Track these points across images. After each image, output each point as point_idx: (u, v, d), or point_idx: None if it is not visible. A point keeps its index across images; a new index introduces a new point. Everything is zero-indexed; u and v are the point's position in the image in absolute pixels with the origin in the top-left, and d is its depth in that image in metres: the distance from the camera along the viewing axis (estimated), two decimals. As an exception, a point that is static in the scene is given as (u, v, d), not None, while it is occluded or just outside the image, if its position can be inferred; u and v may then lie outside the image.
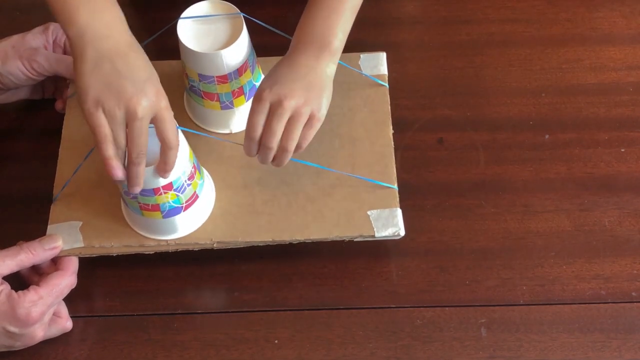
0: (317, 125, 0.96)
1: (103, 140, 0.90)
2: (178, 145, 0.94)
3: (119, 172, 0.92)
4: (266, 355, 0.99)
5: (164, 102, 0.92)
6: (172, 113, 0.93)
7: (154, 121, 0.92)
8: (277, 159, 0.97)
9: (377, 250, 1.05)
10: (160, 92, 0.92)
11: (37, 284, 0.96)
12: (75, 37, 0.92)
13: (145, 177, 0.94)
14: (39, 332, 0.96)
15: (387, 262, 1.05)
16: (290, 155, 0.96)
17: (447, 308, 1.01)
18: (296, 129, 0.95)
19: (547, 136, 1.13)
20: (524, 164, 1.10)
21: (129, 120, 0.90)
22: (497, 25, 1.23)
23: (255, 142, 0.96)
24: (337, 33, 0.98)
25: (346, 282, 1.03)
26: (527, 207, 1.07)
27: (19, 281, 0.99)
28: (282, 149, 0.96)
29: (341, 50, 0.99)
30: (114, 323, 1.02)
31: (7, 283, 0.95)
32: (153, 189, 0.96)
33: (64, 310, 1.00)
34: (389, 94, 1.11)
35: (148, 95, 0.91)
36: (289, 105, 0.94)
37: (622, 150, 1.11)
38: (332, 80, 0.98)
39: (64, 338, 1.00)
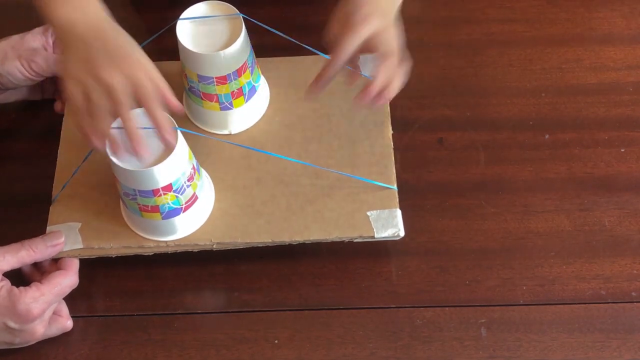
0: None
1: (75, 112, 0.92)
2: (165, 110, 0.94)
3: (95, 142, 0.93)
4: (266, 355, 0.99)
5: (141, 72, 0.92)
6: (153, 81, 0.93)
7: (134, 94, 0.92)
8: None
9: (377, 250, 1.05)
10: (136, 62, 0.92)
11: (39, 282, 0.96)
12: (56, 29, 0.95)
13: (145, 178, 0.94)
14: (39, 329, 0.96)
15: (387, 262, 1.05)
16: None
17: (447, 308, 1.01)
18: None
19: (547, 136, 1.13)
20: (524, 164, 1.10)
21: (106, 92, 0.91)
22: (497, 25, 1.23)
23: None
24: None
25: (346, 282, 1.03)
26: (527, 207, 1.07)
27: (21, 279, 0.99)
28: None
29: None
30: (114, 323, 1.02)
31: (7, 279, 0.95)
32: (152, 190, 0.96)
33: (64, 309, 1.00)
34: (389, 94, 1.11)
35: (121, 65, 0.91)
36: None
37: (622, 150, 1.11)
38: None
39: (64, 338, 1.00)
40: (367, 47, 0.96)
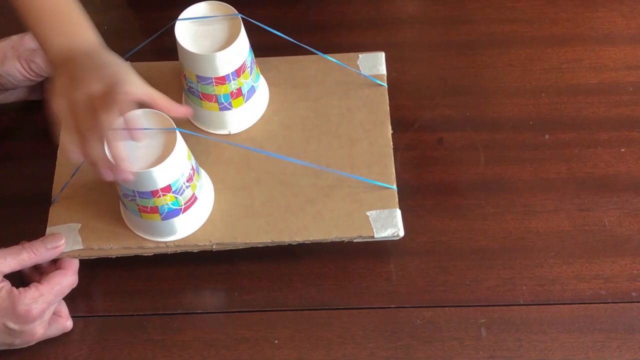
0: None
1: (61, 128, 0.93)
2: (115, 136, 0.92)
3: (74, 155, 0.92)
4: (266, 355, 0.99)
5: (119, 86, 0.90)
6: (124, 101, 0.90)
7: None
8: None
9: (377, 251, 1.05)
10: (118, 77, 0.91)
11: (39, 282, 0.96)
12: (50, 57, 0.97)
13: (144, 179, 0.94)
14: (39, 330, 0.96)
15: (387, 262, 1.05)
16: None
17: (447, 308, 1.01)
18: None
19: (547, 136, 1.13)
20: (524, 164, 1.10)
21: (88, 102, 0.90)
22: (497, 25, 1.23)
23: None
24: None
25: (346, 282, 1.03)
26: (527, 207, 1.07)
27: (21, 279, 0.99)
28: None
29: None
30: (114, 323, 1.02)
31: (7, 281, 0.95)
32: (151, 192, 0.96)
33: (64, 309, 1.00)
34: (389, 94, 1.11)
35: (103, 78, 0.91)
36: None
37: (622, 150, 1.11)
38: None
39: (64, 338, 1.00)
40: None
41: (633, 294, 1.02)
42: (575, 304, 1.01)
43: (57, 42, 0.96)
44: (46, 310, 0.96)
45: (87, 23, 0.97)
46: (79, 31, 0.97)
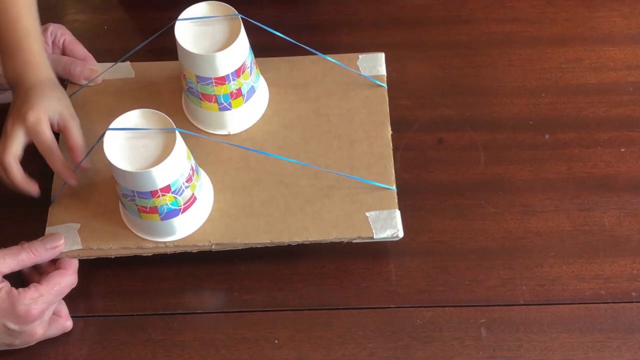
0: None
1: None
2: (54, 156, 1.02)
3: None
4: (266, 355, 0.99)
5: (31, 119, 1.00)
6: (43, 130, 1.01)
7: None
8: None
9: (376, 251, 1.05)
10: (33, 114, 1.01)
11: (38, 282, 0.96)
12: (9, 81, 1.06)
13: (143, 179, 0.94)
14: (39, 330, 0.96)
15: (387, 262, 1.05)
16: None
17: (447, 308, 1.01)
18: None
19: (547, 136, 1.13)
20: (524, 164, 1.10)
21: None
22: (497, 25, 1.23)
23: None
24: None
25: (346, 282, 1.03)
26: (527, 207, 1.07)
27: (20, 280, 0.99)
28: None
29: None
30: (113, 323, 1.02)
31: (7, 281, 0.95)
32: (151, 192, 0.96)
33: (64, 309, 1.00)
34: (389, 94, 1.11)
35: (22, 117, 1.01)
36: None
37: (622, 150, 1.11)
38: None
39: (63, 338, 1.00)
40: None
41: (633, 294, 1.02)
42: (575, 304, 1.01)
43: (8, 73, 1.05)
44: (46, 310, 0.96)
45: (36, 60, 1.04)
46: (28, 68, 1.04)
